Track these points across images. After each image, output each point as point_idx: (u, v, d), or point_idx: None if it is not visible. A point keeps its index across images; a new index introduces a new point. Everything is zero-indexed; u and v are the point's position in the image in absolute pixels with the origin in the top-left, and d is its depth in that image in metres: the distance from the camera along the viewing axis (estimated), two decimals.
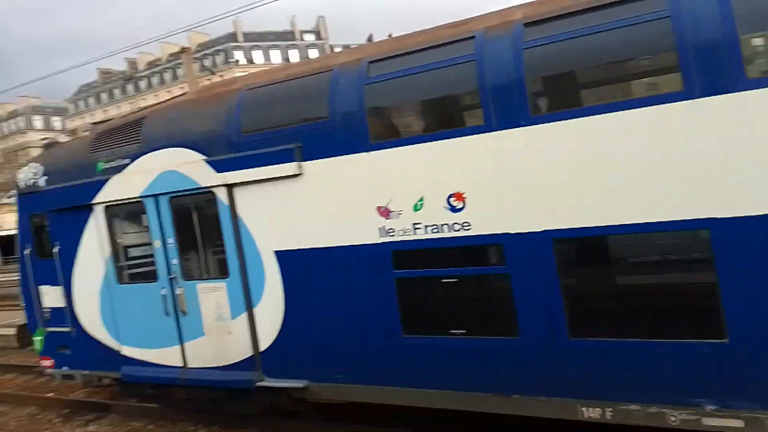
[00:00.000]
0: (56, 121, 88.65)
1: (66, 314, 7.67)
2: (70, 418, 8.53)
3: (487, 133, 5.13)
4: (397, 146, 5.55)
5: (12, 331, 12.64)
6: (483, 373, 5.26)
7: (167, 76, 78.57)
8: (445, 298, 5.46)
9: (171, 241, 6.73)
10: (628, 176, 4.57)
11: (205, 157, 6.43)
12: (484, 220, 5.18)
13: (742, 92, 4.18)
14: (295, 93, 6.32)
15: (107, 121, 8.77)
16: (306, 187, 5.94)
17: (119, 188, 7.05)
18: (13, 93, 66.98)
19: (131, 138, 7.11)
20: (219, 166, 6.32)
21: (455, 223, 5.28)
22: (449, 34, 5.56)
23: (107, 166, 7.17)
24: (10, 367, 11.70)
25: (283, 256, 6.09)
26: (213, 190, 6.38)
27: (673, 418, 4.57)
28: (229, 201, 6.32)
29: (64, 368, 8.00)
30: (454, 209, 5.31)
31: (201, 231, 6.66)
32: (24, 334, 8.41)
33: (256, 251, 6.21)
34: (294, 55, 70.98)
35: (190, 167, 6.51)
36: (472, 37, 5.30)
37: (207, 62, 66.20)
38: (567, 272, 4.94)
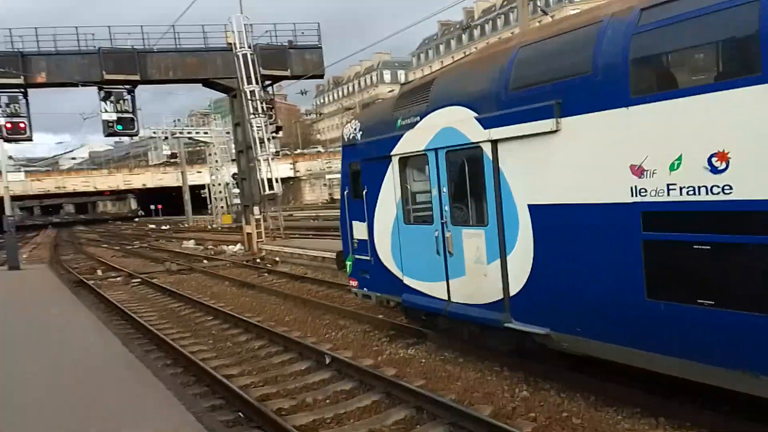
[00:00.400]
0: (402, 74, 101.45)
1: (368, 245, 9.64)
2: (394, 339, 9.72)
3: (763, 85, 4.63)
4: (658, 101, 5.38)
5: (333, 255, 15.80)
6: (731, 348, 4.94)
7: (499, 22, 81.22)
8: (696, 266, 5.20)
9: (444, 190, 7.84)
10: None
11: (475, 115, 7.22)
12: (749, 184, 4.75)
13: None
14: (561, 48, 6.56)
15: (411, 82, 10.31)
16: (562, 143, 6.23)
17: (410, 142, 8.43)
18: (370, 51, 79.14)
19: (422, 98, 8.36)
20: (486, 123, 7.05)
21: (714, 186, 4.96)
22: None
23: (404, 123, 8.61)
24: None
25: (535, 210, 6.57)
26: (480, 145, 7.16)
27: None
28: (492, 156, 7.02)
29: (364, 289, 10.08)
30: (715, 170, 4.97)
31: (468, 182, 7.56)
32: (340, 259, 10.81)
33: (513, 204, 6.81)
34: None
35: (463, 124, 7.40)
36: None
37: (540, 2, 65.83)
38: None
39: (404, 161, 8.68)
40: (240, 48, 26.11)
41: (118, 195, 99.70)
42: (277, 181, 27.10)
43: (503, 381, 7.44)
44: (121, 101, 26.13)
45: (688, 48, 5.59)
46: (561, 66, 6.43)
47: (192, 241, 34.81)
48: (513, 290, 6.92)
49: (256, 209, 27.70)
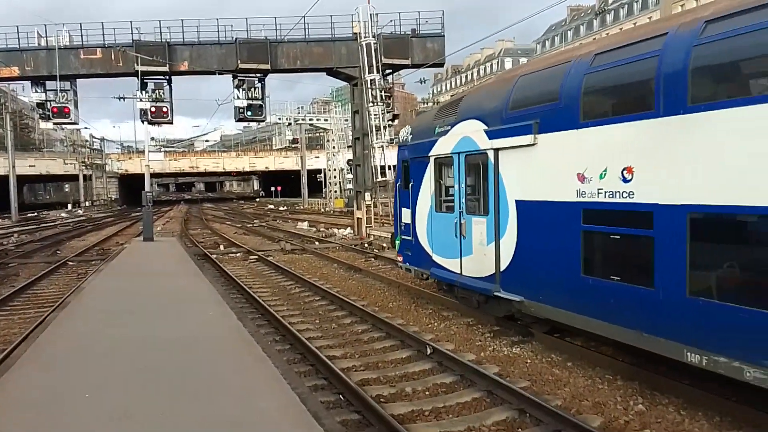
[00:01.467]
0: (523, 62, 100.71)
1: (410, 228, 12.25)
2: (498, 335, 9.83)
3: (654, 119, 6.59)
4: (594, 126, 7.50)
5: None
6: (628, 313, 6.99)
7: (636, 6, 78.54)
8: (611, 250, 7.30)
9: (462, 185, 10.26)
10: None
11: (486, 127, 9.53)
12: (643, 191, 6.73)
13: None
14: (544, 79, 8.71)
15: (452, 96, 12.62)
16: (537, 154, 8.43)
17: (442, 146, 10.92)
18: (493, 39, 79.94)
19: (453, 111, 10.79)
20: (491, 135, 9.36)
21: (624, 191, 6.98)
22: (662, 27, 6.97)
23: (440, 130, 11.06)
24: None
25: (519, 204, 8.84)
26: (486, 152, 9.47)
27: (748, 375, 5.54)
28: (494, 161, 9.31)
29: (407, 264, 12.76)
30: (625, 180, 7.01)
31: (478, 180, 9.89)
32: (393, 238, 13.45)
33: (506, 199, 9.09)
34: None
35: (477, 134, 9.74)
36: (665, 34, 6.66)
37: None
38: (695, 240, 6.18)
39: (438, 161, 11.18)
40: (364, 37, 27.63)
41: (244, 176, 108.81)
42: (389, 169, 28.50)
43: (616, 391, 7.28)
44: (252, 89, 28.20)
45: (614, 87, 7.57)
46: (542, 94, 8.61)
47: (306, 223, 37.29)
48: (502, 266, 9.24)
49: (367, 195, 29.53)
